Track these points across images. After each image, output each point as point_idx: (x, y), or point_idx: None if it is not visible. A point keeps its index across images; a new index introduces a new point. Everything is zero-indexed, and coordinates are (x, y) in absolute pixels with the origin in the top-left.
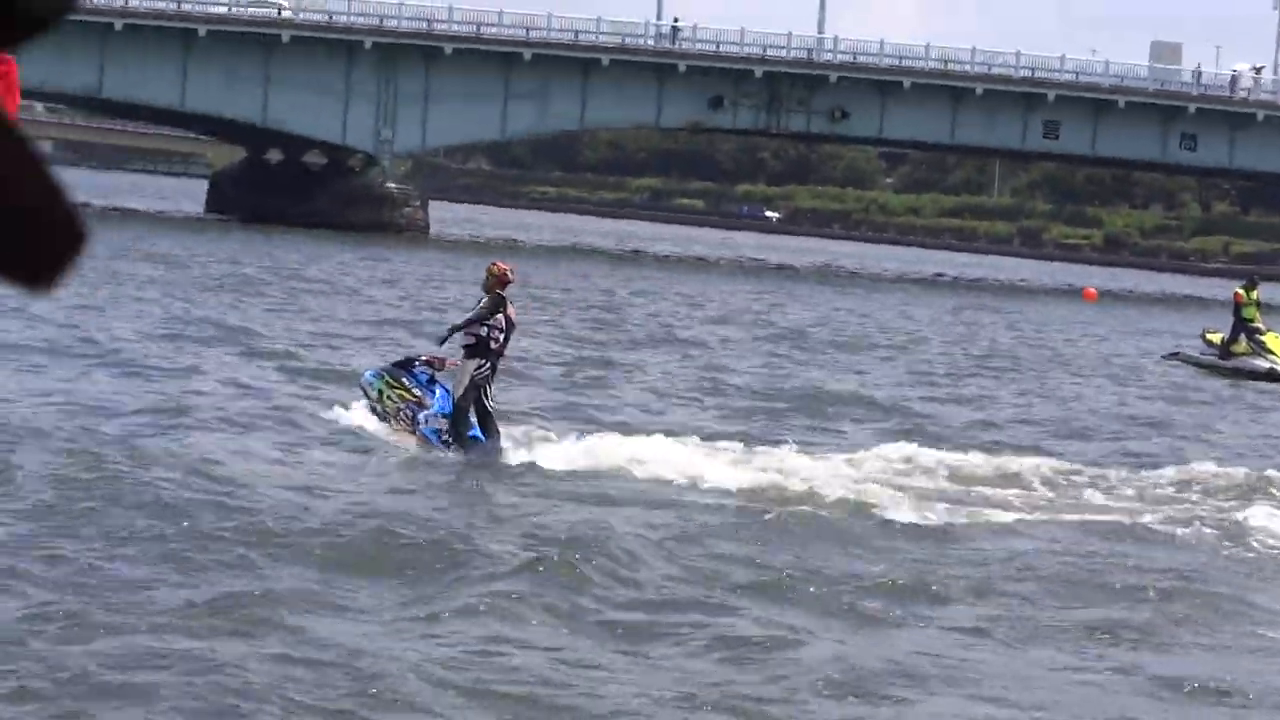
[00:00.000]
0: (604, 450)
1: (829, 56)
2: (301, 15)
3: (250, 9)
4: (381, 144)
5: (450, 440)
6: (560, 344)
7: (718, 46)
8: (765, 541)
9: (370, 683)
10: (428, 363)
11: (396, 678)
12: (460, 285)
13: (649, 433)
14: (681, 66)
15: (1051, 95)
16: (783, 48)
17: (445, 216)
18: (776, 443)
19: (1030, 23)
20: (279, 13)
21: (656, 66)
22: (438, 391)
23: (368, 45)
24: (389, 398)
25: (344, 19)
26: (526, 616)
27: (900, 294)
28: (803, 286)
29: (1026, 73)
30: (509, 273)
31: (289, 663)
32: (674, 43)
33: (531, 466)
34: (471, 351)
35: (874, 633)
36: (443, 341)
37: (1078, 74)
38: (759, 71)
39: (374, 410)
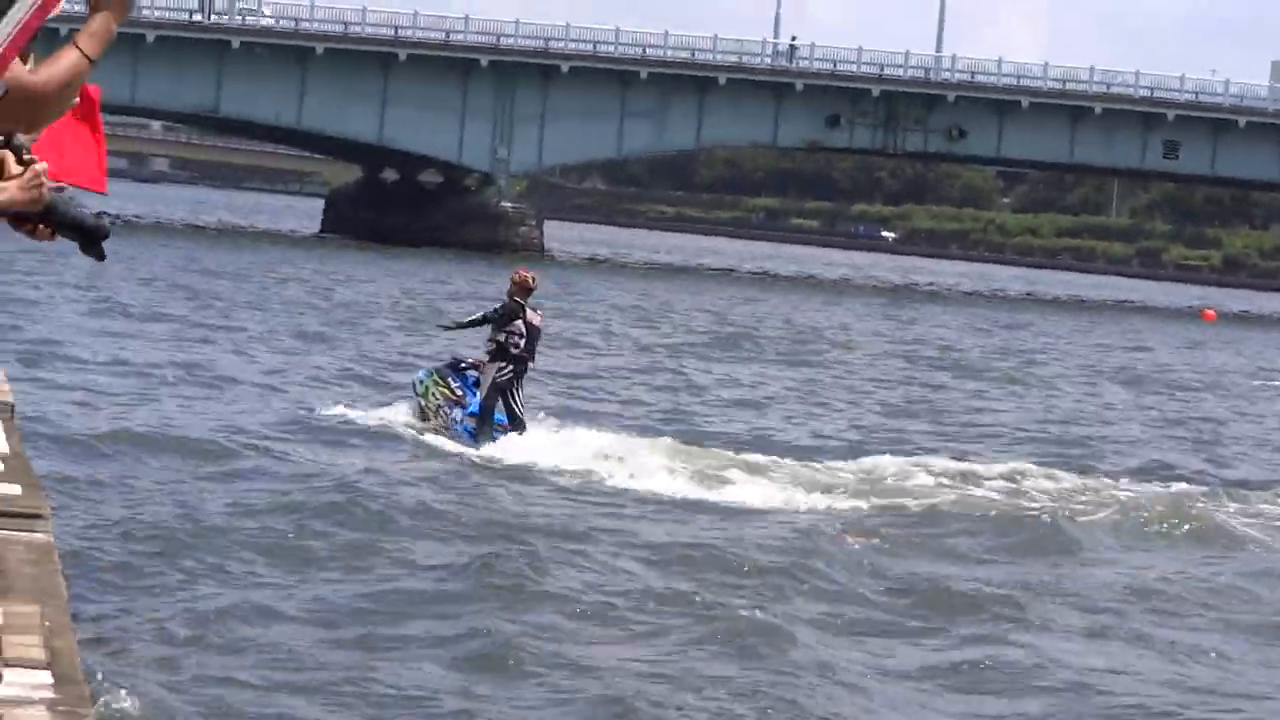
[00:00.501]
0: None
1: (947, 75)
2: (418, 34)
3: (367, 28)
4: (497, 163)
5: (478, 437)
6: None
7: (835, 65)
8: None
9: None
10: (473, 366)
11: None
12: (576, 301)
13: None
14: (799, 85)
15: (1171, 115)
16: (900, 66)
17: (561, 236)
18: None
19: (1151, 40)
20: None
21: (773, 85)
22: (479, 394)
23: (484, 64)
24: (433, 395)
25: (461, 37)
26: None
27: (1075, 318)
28: (955, 310)
29: (1146, 92)
30: (530, 280)
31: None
32: (791, 61)
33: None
34: (493, 356)
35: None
36: (445, 330)
37: (1197, 93)
38: (876, 90)
39: (419, 408)
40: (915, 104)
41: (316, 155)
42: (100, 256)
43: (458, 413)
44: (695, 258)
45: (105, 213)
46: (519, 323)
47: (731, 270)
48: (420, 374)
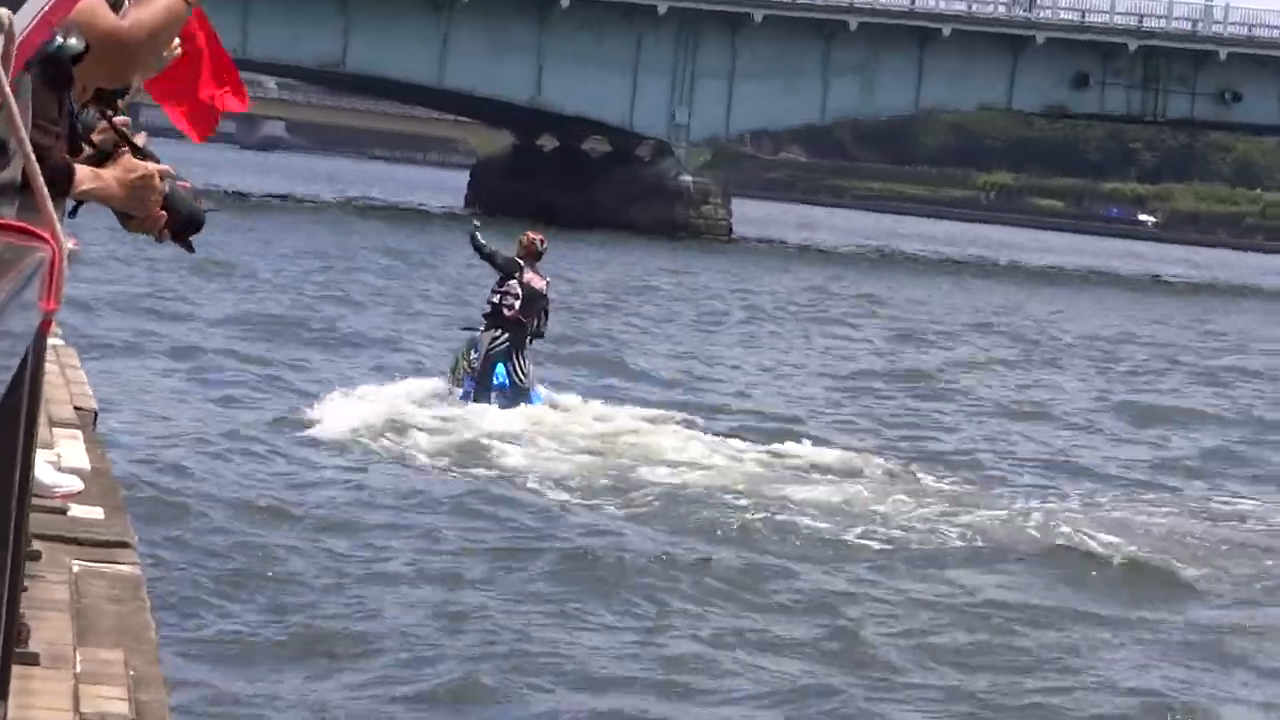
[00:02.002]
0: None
1: (1218, 28)
2: None
3: None
4: (676, 129)
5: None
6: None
7: (1084, 16)
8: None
9: None
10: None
11: None
12: (772, 297)
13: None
14: (1039, 38)
15: None
16: (1163, 17)
17: (751, 216)
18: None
19: None
20: None
21: (1009, 39)
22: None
23: (662, 11)
24: (460, 367)
25: None
26: None
27: None
28: None
29: None
30: (537, 243)
31: None
32: (1030, 10)
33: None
34: (489, 322)
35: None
36: (471, 238)
37: None
38: (1133, 45)
39: (449, 378)
40: (1180, 61)
41: (460, 119)
42: (191, 248)
43: (469, 384)
44: (916, 243)
45: (205, 197)
46: (514, 282)
47: (974, 261)
48: (461, 346)
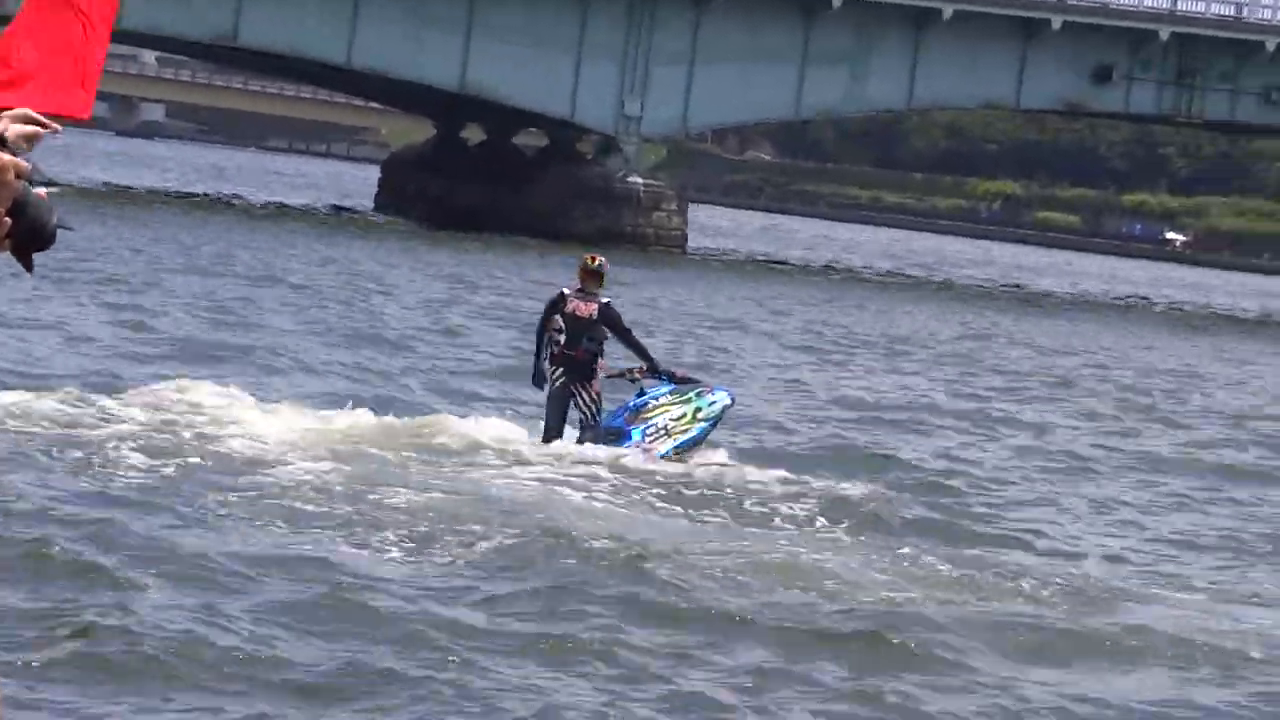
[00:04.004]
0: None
1: (1265, 14)
2: None
3: None
4: (626, 122)
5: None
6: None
7: None
8: None
9: None
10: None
11: None
12: (726, 324)
13: None
14: (1055, 23)
15: None
16: (1201, 1)
17: (711, 225)
18: None
19: None
20: None
21: (1019, 23)
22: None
23: None
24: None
25: None
26: None
27: None
28: None
29: None
30: (587, 261)
31: None
32: None
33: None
34: (552, 362)
35: None
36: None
37: None
38: (1165, 33)
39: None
40: (1220, 53)
41: (373, 105)
42: (30, 268)
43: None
44: (906, 261)
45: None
46: (558, 316)
47: (981, 284)
48: None
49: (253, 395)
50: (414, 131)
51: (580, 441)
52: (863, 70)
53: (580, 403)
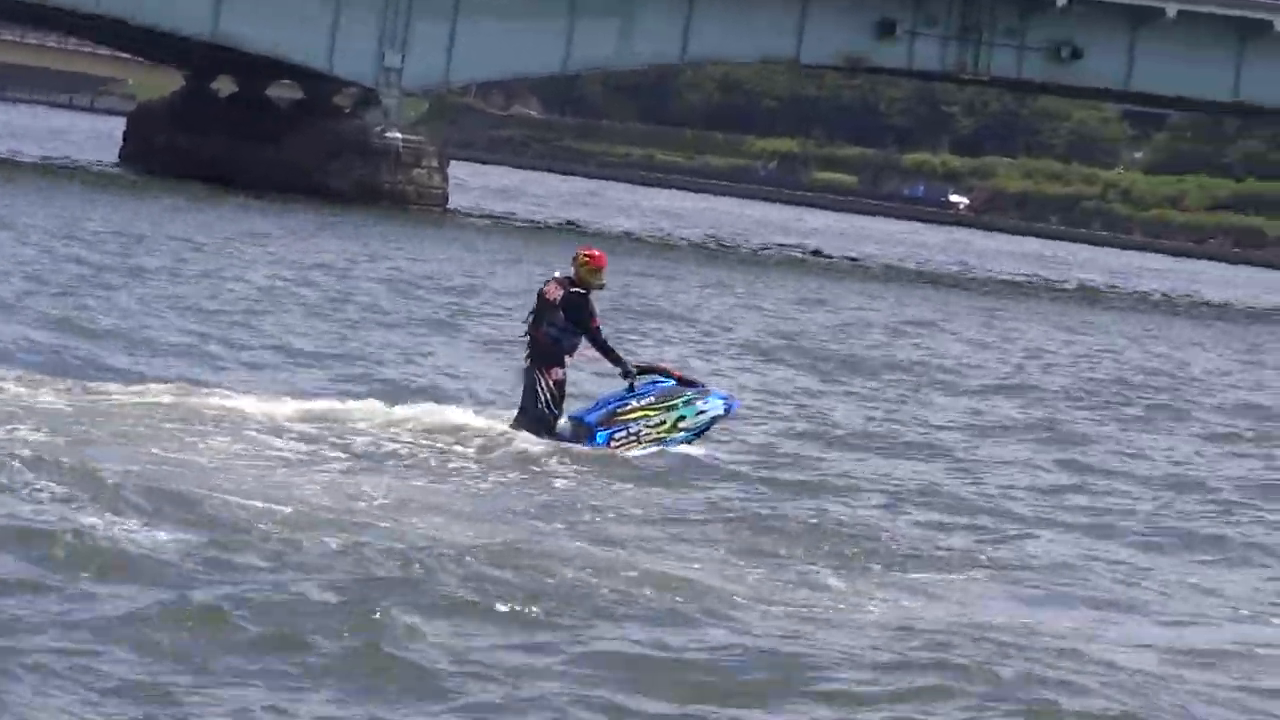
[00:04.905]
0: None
1: None
2: None
3: None
4: (386, 74)
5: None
6: None
7: None
8: None
9: None
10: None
11: None
12: (492, 292)
13: None
14: None
15: None
16: None
17: (474, 184)
18: None
19: None
20: None
21: None
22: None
23: None
24: None
25: None
26: None
27: None
28: None
29: None
30: (578, 255)
31: None
32: None
33: None
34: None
35: None
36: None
37: None
38: None
39: None
40: (1007, 8)
41: (121, 55)
42: None
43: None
44: (677, 224)
45: None
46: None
47: (777, 250)
48: None
49: None
50: (163, 83)
51: (536, 432)
52: (633, 23)
53: (539, 388)
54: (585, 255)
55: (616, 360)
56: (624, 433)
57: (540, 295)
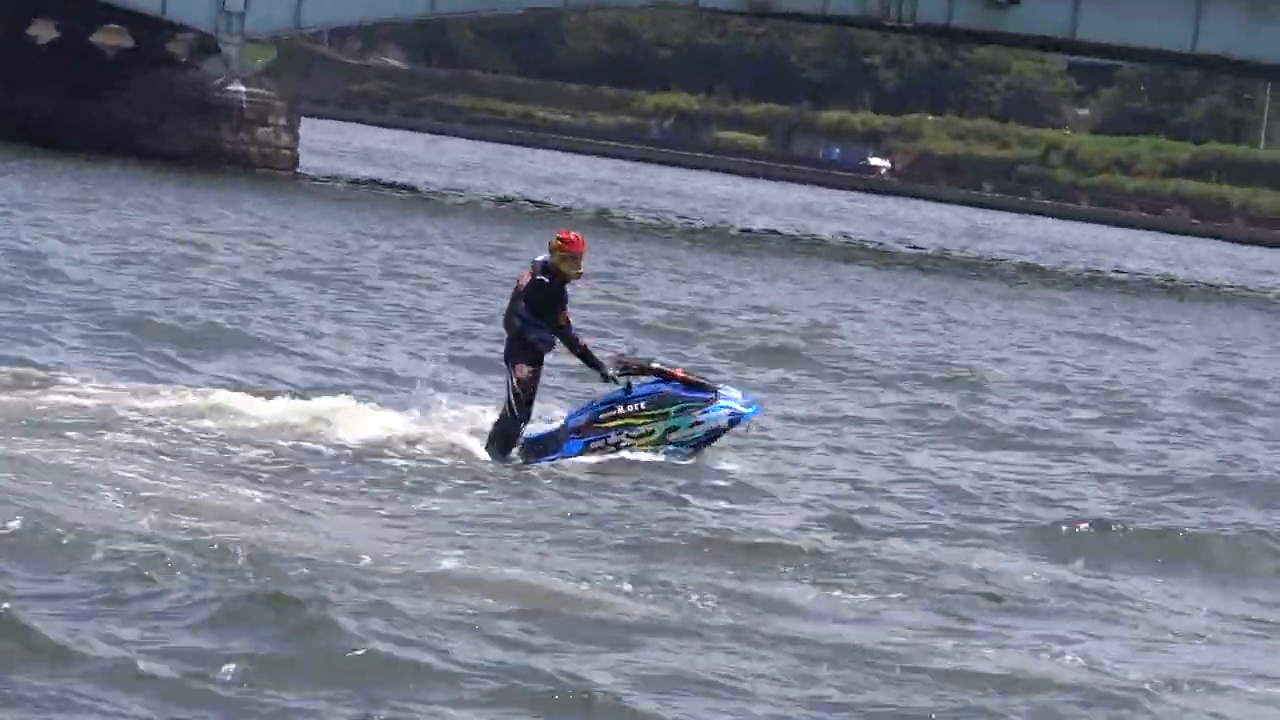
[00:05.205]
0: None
1: None
2: None
3: None
4: (227, 19)
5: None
6: None
7: None
8: None
9: None
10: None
11: None
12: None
13: None
14: None
15: None
16: None
17: (327, 144)
18: None
19: None
20: None
21: None
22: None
23: None
24: None
25: None
26: None
27: None
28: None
29: None
30: (555, 241)
31: None
32: None
33: None
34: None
35: None
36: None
37: None
38: None
39: None
40: None
41: None
42: None
43: None
44: (551, 189)
45: None
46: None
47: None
48: None
49: None
50: None
51: (490, 440)
52: None
53: (508, 384)
54: (559, 240)
55: (591, 361)
56: (600, 441)
57: (515, 284)
